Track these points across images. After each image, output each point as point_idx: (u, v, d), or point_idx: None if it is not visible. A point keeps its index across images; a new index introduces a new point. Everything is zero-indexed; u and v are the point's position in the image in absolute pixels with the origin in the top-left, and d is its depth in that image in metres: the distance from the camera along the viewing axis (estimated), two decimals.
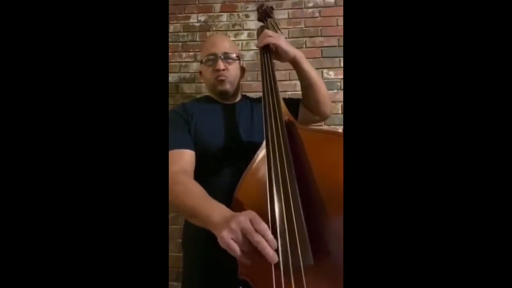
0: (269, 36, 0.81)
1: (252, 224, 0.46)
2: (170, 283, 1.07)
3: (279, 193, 0.51)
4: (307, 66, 0.83)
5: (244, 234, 0.45)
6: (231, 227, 0.46)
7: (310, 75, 0.83)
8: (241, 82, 0.96)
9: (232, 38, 1.34)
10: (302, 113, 0.90)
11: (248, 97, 0.98)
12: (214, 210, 0.53)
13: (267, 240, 0.44)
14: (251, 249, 0.45)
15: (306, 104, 0.89)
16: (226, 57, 0.86)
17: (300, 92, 0.90)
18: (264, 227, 0.46)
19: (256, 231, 0.45)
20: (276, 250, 0.45)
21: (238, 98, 0.94)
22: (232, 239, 0.46)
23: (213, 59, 0.86)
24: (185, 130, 0.78)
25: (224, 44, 0.89)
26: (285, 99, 0.80)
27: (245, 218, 0.46)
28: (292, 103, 0.88)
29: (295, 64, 0.83)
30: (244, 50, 1.35)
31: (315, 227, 0.49)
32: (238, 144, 0.78)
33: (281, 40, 0.81)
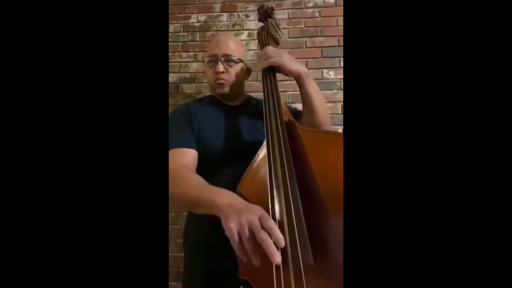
0: (271, 57, 0.75)
1: (260, 221, 0.46)
2: (170, 283, 1.08)
3: (279, 193, 0.51)
4: (311, 88, 0.76)
5: (251, 230, 0.45)
6: (241, 221, 0.46)
7: (312, 99, 0.76)
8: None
9: None
10: None
11: (253, 98, 0.97)
12: (219, 195, 0.54)
13: (275, 237, 0.44)
14: (255, 246, 0.45)
15: (304, 122, 0.80)
16: (227, 59, 0.85)
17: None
18: (272, 224, 0.45)
19: (264, 228, 0.45)
20: (278, 250, 0.45)
21: (242, 99, 0.93)
22: (238, 232, 0.46)
23: (214, 60, 0.86)
24: (188, 129, 0.78)
25: (228, 44, 0.87)
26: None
27: (255, 216, 0.46)
28: (292, 113, 0.83)
29: (299, 83, 0.77)
30: None
31: (315, 227, 0.49)
32: (240, 145, 0.78)
33: (284, 58, 0.75)
